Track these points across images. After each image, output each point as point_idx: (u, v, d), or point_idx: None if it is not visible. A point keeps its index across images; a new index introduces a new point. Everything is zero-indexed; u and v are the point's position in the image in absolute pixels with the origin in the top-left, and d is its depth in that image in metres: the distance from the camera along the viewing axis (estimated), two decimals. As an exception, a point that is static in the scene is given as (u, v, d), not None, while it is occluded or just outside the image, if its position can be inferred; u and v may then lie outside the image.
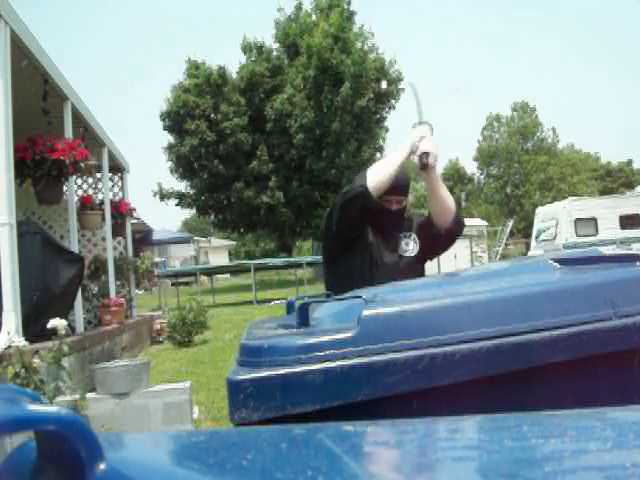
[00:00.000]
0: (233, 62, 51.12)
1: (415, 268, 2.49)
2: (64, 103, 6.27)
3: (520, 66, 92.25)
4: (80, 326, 6.41)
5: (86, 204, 7.26)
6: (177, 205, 27.04)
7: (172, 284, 21.23)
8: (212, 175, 25.19)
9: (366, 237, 2.48)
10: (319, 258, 12.34)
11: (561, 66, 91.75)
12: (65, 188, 6.18)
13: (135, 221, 12.14)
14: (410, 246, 2.52)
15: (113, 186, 9.19)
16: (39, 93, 5.66)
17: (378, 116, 26.67)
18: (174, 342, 9.27)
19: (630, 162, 53.22)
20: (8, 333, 4.35)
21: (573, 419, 0.82)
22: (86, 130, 7.17)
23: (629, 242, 15.74)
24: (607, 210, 16.94)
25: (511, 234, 31.09)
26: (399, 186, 2.45)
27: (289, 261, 19.75)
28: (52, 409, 0.56)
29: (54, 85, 5.89)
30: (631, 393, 1.34)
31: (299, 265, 18.75)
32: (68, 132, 6.11)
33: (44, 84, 5.70)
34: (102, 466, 0.57)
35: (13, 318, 4.47)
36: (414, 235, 2.54)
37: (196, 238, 38.13)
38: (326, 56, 23.50)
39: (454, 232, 2.57)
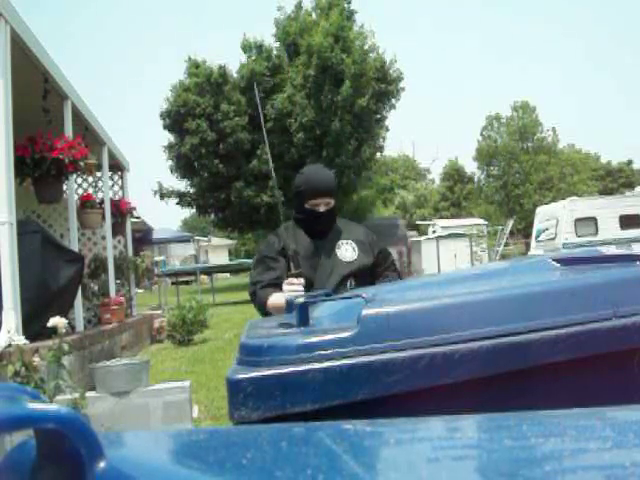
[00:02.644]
0: (233, 61, 51.15)
1: (356, 272, 2.54)
2: (64, 102, 6.27)
3: (520, 66, 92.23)
4: (80, 325, 6.41)
5: (86, 203, 7.26)
6: (177, 204, 27.01)
7: (172, 283, 21.23)
8: (212, 174, 25.16)
9: (295, 248, 2.53)
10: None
11: (561, 66, 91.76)
12: (65, 187, 6.18)
13: (135, 220, 12.14)
14: (347, 252, 2.58)
15: (113, 185, 9.19)
16: (39, 92, 5.66)
17: (378, 116, 26.65)
18: (174, 341, 9.27)
19: (630, 162, 53.22)
20: (8, 332, 4.35)
21: (573, 419, 0.82)
22: (86, 129, 7.16)
23: (629, 242, 15.74)
24: (607, 210, 16.92)
25: (511, 234, 31.08)
26: (323, 189, 2.58)
27: (289, 260, 19.67)
28: (52, 407, 0.57)
29: (54, 84, 5.89)
30: (631, 393, 1.34)
31: (299, 264, 18.71)
32: (68, 131, 6.11)
33: (44, 83, 5.70)
34: (102, 464, 0.58)
35: (13, 317, 4.47)
36: (352, 242, 2.62)
37: (196, 237, 38.11)
38: (326, 55, 23.48)
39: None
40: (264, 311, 2.51)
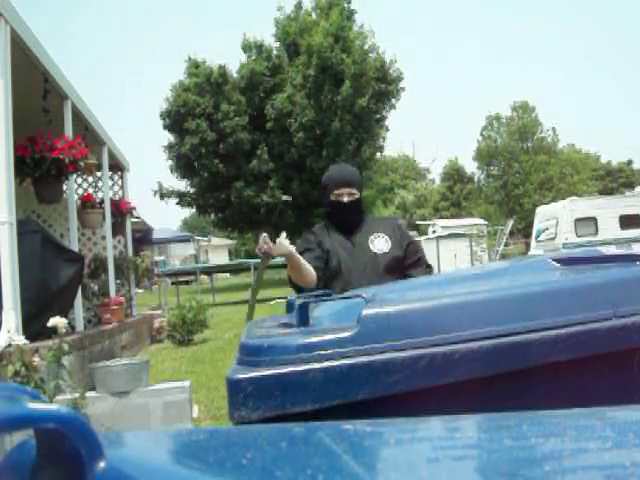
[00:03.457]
0: (233, 61, 51.12)
1: (391, 265, 2.62)
2: (64, 102, 6.27)
3: (520, 66, 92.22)
4: (80, 325, 6.40)
5: (86, 203, 7.26)
6: (177, 204, 27.03)
7: (172, 283, 21.22)
8: (212, 174, 25.16)
9: (329, 244, 2.65)
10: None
11: (561, 66, 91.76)
12: (65, 187, 6.18)
13: (135, 220, 12.14)
14: (380, 244, 2.67)
15: (113, 185, 9.18)
16: (39, 92, 5.66)
17: (378, 115, 26.66)
18: (174, 341, 9.27)
19: (630, 162, 53.20)
20: (8, 331, 4.35)
21: (573, 419, 0.82)
22: (86, 129, 7.16)
23: (629, 242, 15.74)
24: (607, 210, 16.91)
25: (511, 234, 31.05)
26: (345, 179, 2.73)
27: (289, 260, 19.65)
28: (52, 407, 0.57)
29: (54, 84, 5.89)
30: (631, 393, 1.34)
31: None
32: (68, 131, 6.11)
33: (44, 83, 5.69)
34: (102, 464, 0.58)
35: (13, 316, 4.47)
36: (384, 235, 2.70)
37: (196, 237, 38.11)
38: (326, 55, 23.48)
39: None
40: (296, 287, 2.60)
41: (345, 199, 2.69)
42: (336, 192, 2.70)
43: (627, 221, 16.75)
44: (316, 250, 2.65)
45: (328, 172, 2.85)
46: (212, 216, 28.54)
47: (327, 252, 2.62)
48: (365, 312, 1.32)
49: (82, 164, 5.82)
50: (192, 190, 26.74)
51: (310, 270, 2.51)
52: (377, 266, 2.59)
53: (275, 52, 26.44)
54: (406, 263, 2.67)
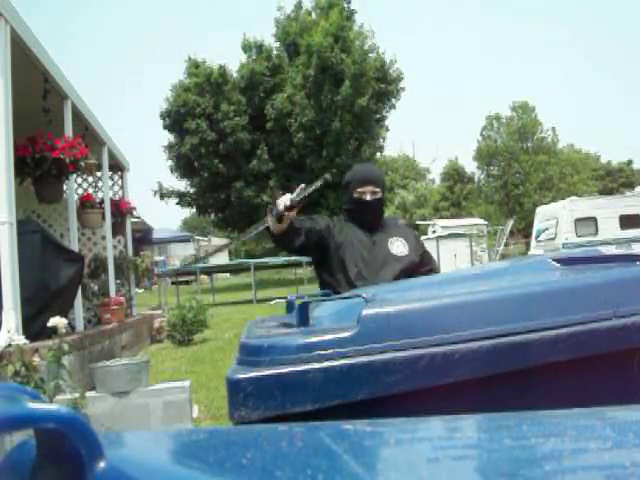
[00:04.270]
0: (233, 61, 51.10)
1: (408, 268, 2.64)
2: (64, 102, 6.27)
3: (520, 66, 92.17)
4: (80, 325, 6.40)
5: (86, 203, 7.25)
6: (177, 204, 27.06)
7: (172, 283, 21.22)
8: (212, 174, 25.19)
9: (347, 237, 2.67)
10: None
11: (561, 66, 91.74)
12: (65, 187, 6.18)
13: (135, 220, 12.14)
14: (399, 247, 2.70)
15: (113, 185, 9.18)
16: (39, 92, 5.66)
17: (378, 115, 26.68)
18: (174, 341, 9.27)
19: (630, 162, 53.22)
20: (8, 331, 4.35)
21: (573, 419, 0.82)
22: (86, 129, 7.16)
23: (629, 242, 15.73)
24: (607, 210, 16.92)
25: (511, 234, 31.05)
26: (368, 178, 2.75)
27: (289, 260, 19.67)
28: (52, 407, 0.56)
29: (54, 84, 5.89)
30: (631, 393, 1.35)
31: (299, 264, 18.71)
32: (68, 131, 6.11)
33: (44, 83, 5.69)
34: (102, 464, 0.58)
35: (13, 316, 4.47)
36: (402, 239, 2.74)
37: (196, 237, 38.12)
38: (326, 55, 23.50)
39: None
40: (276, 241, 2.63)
41: (368, 197, 2.71)
42: (359, 190, 2.72)
43: (627, 221, 16.76)
44: (316, 227, 2.61)
45: (352, 170, 2.86)
46: (212, 216, 28.57)
47: (341, 244, 2.63)
48: (365, 312, 1.32)
49: (82, 164, 5.82)
50: (192, 190, 26.76)
51: (300, 236, 2.53)
52: (394, 267, 2.61)
53: (275, 52, 26.46)
54: (419, 271, 2.70)
